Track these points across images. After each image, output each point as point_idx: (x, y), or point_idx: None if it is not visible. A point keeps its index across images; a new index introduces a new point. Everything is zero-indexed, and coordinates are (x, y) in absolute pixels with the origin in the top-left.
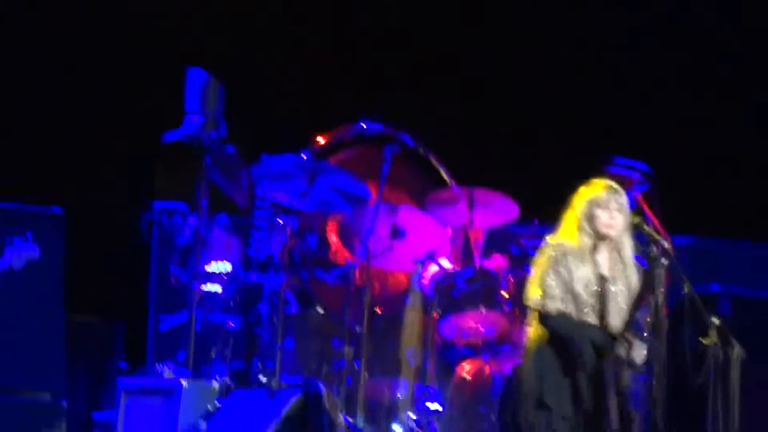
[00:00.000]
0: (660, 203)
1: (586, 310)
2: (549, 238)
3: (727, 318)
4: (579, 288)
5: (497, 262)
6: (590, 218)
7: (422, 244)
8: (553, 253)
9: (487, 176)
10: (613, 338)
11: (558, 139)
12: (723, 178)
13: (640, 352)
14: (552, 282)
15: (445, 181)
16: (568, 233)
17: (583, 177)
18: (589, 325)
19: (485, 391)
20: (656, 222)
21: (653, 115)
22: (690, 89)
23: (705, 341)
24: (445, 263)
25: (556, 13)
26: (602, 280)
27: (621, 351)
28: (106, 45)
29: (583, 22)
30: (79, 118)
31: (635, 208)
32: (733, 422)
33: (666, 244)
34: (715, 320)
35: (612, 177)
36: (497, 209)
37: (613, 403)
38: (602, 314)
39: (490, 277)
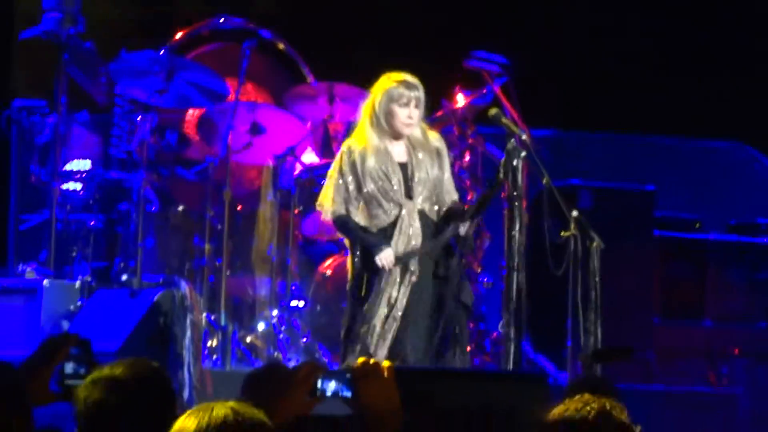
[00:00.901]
0: (518, 96)
1: (385, 204)
2: (344, 143)
3: (587, 210)
4: (372, 185)
5: None
6: (387, 114)
7: (282, 140)
8: (344, 158)
9: (347, 72)
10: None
11: (421, 31)
12: (582, 70)
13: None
14: (337, 188)
15: (304, 76)
16: (360, 131)
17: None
18: (360, 229)
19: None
20: (515, 114)
21: (514, 7)
22: None
23: (564, 234)
24: (309, 158)
25: None
26: (401, 167)
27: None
28: None
29: None
30: None
31: (493, 100)
32: (594, 310)
33: (524, 136)
34: (575, 213)
35: (472, 70)
36: (357, 104)
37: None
38: (409, 198)
39: None
